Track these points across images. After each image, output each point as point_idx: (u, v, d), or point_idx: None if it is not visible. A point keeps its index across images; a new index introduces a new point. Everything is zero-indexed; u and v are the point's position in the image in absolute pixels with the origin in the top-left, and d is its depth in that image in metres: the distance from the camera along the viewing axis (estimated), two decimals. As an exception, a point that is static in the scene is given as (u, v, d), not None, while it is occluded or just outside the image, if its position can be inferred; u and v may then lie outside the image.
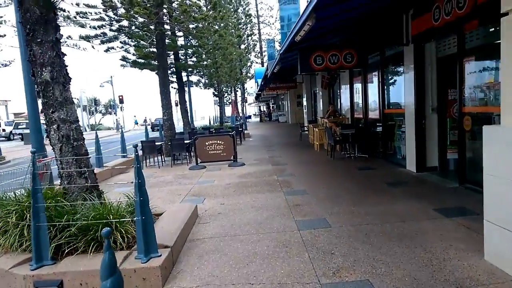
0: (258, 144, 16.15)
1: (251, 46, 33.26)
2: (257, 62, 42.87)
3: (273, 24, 59.71)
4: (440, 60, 6.98)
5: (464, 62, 5.88)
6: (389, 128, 9.15)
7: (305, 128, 16.86)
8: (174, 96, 19.18)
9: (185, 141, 11.41)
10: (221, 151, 10.80)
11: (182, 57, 17.03)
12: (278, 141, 16.79)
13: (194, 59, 17.24)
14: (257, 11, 43.34)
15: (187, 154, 11.79)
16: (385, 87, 9.00)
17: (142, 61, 13.49)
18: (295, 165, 9.76)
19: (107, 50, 12.35)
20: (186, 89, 18.37)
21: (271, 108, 42.68)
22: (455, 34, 6.18)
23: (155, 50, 13.07)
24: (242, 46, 29.09)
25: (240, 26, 26.15)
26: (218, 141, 10.80)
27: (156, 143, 11.46)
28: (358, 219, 4.85)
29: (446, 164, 7.24)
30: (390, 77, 8.83)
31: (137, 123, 49.25)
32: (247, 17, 22.19)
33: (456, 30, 5.89)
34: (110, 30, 11.81)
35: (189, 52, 16.57)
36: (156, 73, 13.03)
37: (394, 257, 3.62)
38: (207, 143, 10.79)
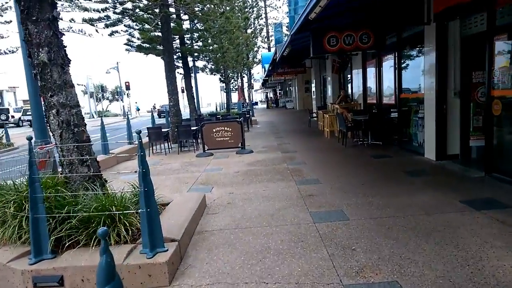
0: (266, 131, 15.79)
1: (257, 30, 32.55)
2: (263, 47, 42.13)
3: (280, 7, 58.52)
4: (465, 40, 6.50)
5: (495, 41, 5.41)
6: (405, 114, 8.72)
7: (314, 115, 16.43)
8: (180, 82, 18.80)
9: (192, 128, 11.10)
10: (229, 138, 10.48)
11: (187, 42, 16.58)
12: (286, 128, 16.41)
13: (200, 43, 16.79)
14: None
15: (194, 141, 11.49)
16: (402, 70, 8.53)
17: (147, 45, 13.09)
18: (305, 152, 9.41)
19: (111, 34, 11.96)
20: (192, 74, 17.96)
21: (278, 94, 42.08)
22: (484, 10, 5.71)
23: (160, 34, 12.65)
24: (249, 31, 28.40)
25: (246, 9, 25.45)
26: (225, 128, 10.47)
27: (163, 130, 11.16)
28: (378, 211, 4.51)
29: (468, 152, 6.84)
30: (407, 60, 8.35)
31: (138, 110, 48.36)
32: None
33: (486, 6, 5.41)
34: (114, 13, 11.40)
35: (195, 36, 16.11)
36: (161, 58, 12.65)
37: (423, 255, 3.29)
38: (214, 130, 10.46)
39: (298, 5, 23.63)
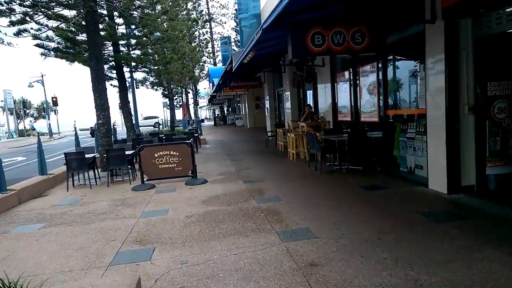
0: (218, 152, 13.72)
1: (203, 44, 30.68)
2: (209, 63, 40.25)
3: (225, 23, 57.44)
4: (481, 42, 5.16)
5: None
6: (391, 133, 7.29)
7: (270, 133, 14.75)
8: (115, 97, 16.07)
9: (127, 152, 8.71)
10: (176, 164, 8.27)
11: (123, 49, 14.15)
12: (241, 148, 14.49)
13: (138, 52, 14.44)
14: (208, 8, 40.76)
15: (130, 168, 9.08)
16: (389, 82, 7.13)
17: (68, 49, 10.47)
18: (274, 182, 7.53)
19: (17, 34, 9.23)
20: (130, 87, 15.44)
21: (225, 111, 40.24)
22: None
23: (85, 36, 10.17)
24: (193, 44, 26.38)
25: (190, 22, 23.49)
26: (171, 152, 8.26)
27: (87, 155, 8.62)
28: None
29: (484, 182, 5.44)
30: (396, 68, 6.95)
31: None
32: (198, 12, 19.72)
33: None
34: (20, 5, 8.77)
35: (132, 43, 13.77)
36: (88, 65, 10.16)
37: None
38: (156, 155, 8.20)
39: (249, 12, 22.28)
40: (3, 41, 9.85)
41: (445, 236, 3.97)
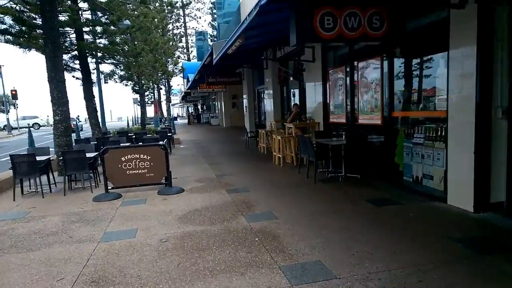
0: (194, 154, 12.51)
1: (177, 38, 29.12)
2: (183, 58, 38.60)
3: (200, 18, 55.84)
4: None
5: None
6: (394, 138, 6.46)
7: (250, 134, 13.67)
8: (80, 90, 14.40)
9: (88, 154, 7.38)
10: (146, 170, 7.05)
11: (88, 37, 12.61)
12: (219, 150, 13.34)
13: (105, 41, 12.95)
14: (182, 1, 39.10)
15: (92, 173, 7.75)
16: (398, 78, 6.27)
17: (20, 33, 8.88)
18: (263, 192, 6.49)
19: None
20: (95, 80, 13.89)
21: (200, 109, 38.73)
22: None
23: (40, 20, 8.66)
24: (166, 37, 24.81)
25: (165, 6, 21.89)
26: (141, 155, 7.03)
27: (41, 158, 7.23)
28: None
29: (515, 198, 4.66)
30: (408, 63, 6.08)
31: None
32: (170, 5, 18.33)
33: None
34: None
35: (98, 30, 12.28)
36: (42, 52, 8.70)
37: None
38: (123, 159, 6.94)
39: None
40: None
41: (504, 275, 3.08)
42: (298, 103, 10.41)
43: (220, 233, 4.46)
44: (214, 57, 8.80)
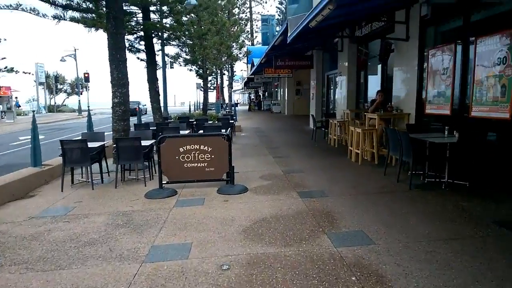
0: (256, 143, 11.49)
1: (243, 23, 28.22)
2: (247, 44, 37.79)
3: (265, 2, 54.44)
4: None
5: None
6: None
7: (318, 124, 12.24)
8: (144, 72, 14.02)
9: (144, 143, 6.64)
10: (207, 164, 6.10)
11: (154, 17, 12.07)
12: (283, 140, 12.16)
13: (171, 22, 12.31)
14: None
15: (148, 164, 7.04)
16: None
17: (84, 11, 8.38)
18: (346, 200, 5.18)
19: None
20: (159, 62, 13.39)
21: (261, 96, 37.86)
22: None
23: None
24: (232, 19, 23.93)
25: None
26: (201, 147, 6.09)
27: (94, 144, 6.65)
28: None
29: None
30: None
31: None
32: None
33: None
34: None
35: (165, 9, 11.65)
36: (104, 30, 8.14)
37: None
38: (181, 150, 6.05)
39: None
40: (39, 13, 8.12)
41: None
42: (381, 90, 8.76)
43: (299, 262, 3.29)
44: (289, 34, 7.52)
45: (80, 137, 7.20)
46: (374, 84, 10.60)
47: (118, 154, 6.43)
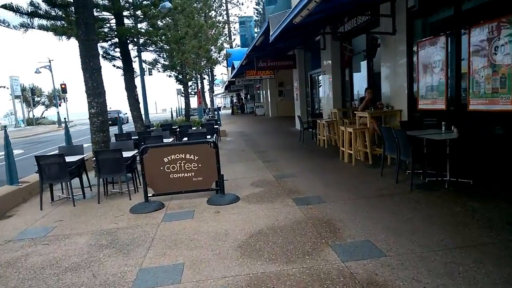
0: (243, 148, 11.13)
1: (220, 25, 27.85)
2: (225, 47, 37.36)
3: (242, 4, 54.19)
4: None
5: None
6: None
7: (305, 125, 12.00)
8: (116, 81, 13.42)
9: (125, 154, 6.19)
10: (194, 173, 5.71)
11: (128, 22, 11.57)
12: (271, 143, 11.85)
13: (146, 26, 11.82)
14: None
15: (131, 174, 6.59)
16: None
17: (47, 11, 7.81)
18: (345, 205, 4.89)
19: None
20: (136, 68, 12.88)
21: (243, 99, 37.49)
22: None
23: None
24: (210, 21, 23.48)
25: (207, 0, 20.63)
26: (187, 155, 5.69)
27: (72, 158, 6.16)
28: None
29: None
30: None
31: None
32: None
33: None
34: None
35: (139, 13, 11.17)
36: (75, 36, 7.64)
37: None
38: (166, 160, 5.64)
39: None
40: (9, 24, 7.60)
41: None
42: (369, 87, 8.54)
43: (305, 282, 2.95)
44: (271, 32, 7.21)
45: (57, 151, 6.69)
46: (360, 81, 10.42)
47: (98, 168, 5.96)
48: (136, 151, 6.67)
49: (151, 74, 28.77)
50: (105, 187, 6.44)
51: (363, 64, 10.05)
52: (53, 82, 32.47)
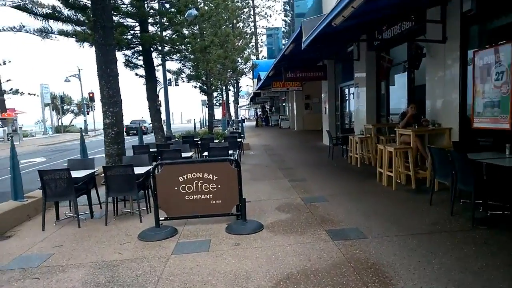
0: (267, 163, 10.37)
1: (248, 36, 27.54)
2: (252, 59, 37.13)
3: (270, 16, 54.27)
4: None
5: None
6: None
7: (335, 141, 11.13)
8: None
9: (139, 170, 5.57)
10: (212, 195, 4.99)
11: (152, 29, 11.21)
12: (298, 159, 11.03)
13: (170, 34, 11.43)
14: (252, 0, 37.63)
15: (144, 192, 5.96)
16: None
17: (72, 22, 7.49)
18: (394, 242, 4.01)
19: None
20: (159, 76, 12.47)
21: (268, 111, 36.91)
22: None
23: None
24: (236, 32, 23.15)
25: (234, 3, 20.32)
26: (205, 175, 4.99)
27: (78, 174, 5.59)
28: None
29: None
30: None
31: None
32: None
33: None
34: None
35: (164, 20, 10.79)
36: (92, 41, 7.23)
37: None
38: (181, 179, 4.96)
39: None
40: (24, 27, 7.42)
41: None
42: (413, 102, 7.60)
43: None
44: (304, 38, 6.48)
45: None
46: (397, 95, 9.51)
47: (107, 185, 5.35)
48: (150, 166, 6.03)
49: (178, 85, 28.64)
50: (115, 206, 5.82)
51: (401, 77, 9.15)
52: (81, 91, 33.18)
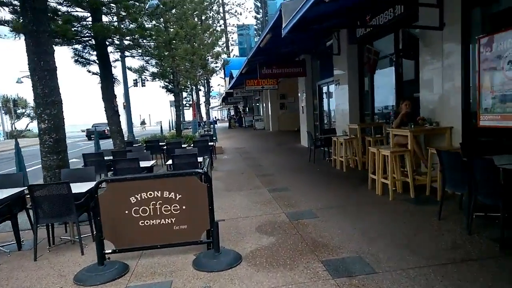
0: (242, 169, 9.30)
1: (218, 34, 26.27)
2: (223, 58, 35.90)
3: (240, 14, 53.13)
4: None
5: None
6: None
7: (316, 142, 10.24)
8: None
9: (80, 187, 4.34)
10: (175, 219, 3.86)
11: (106, 20, 9.82)
12: (276, 163, 10.03)
13: (131, 25, 10.11)
14: (221, -4, 36.37)
15: (88, 215, 4.71)
16: None
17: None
18: (409, 274, 3.05)
19: None
20: (117, 73, 11.07)
21: (241, 111, 35.73)
22: None
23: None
24: (204, 25, 21.83)
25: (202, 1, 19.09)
26: (165, 193, 3.84)
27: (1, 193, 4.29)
28: None
29: None
30: None
31: None
32: None
33: None
34: None
35: (121, 10, 9.47)
36: (23, 26, 5.87)
37: None
38: (133, 199, 3.79)
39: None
40: None
41: None
42: (407, 98, 6.75)
43: None
44: (285, 24, 5.45)
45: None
46: (383, 91, 8.72)
47: (35, 210, 4.09)
48: (89, 188, 4.79)
49: (144, 85, 26.92)
50: (50, 232, 4.55)
51: (387, 71, 8.36)
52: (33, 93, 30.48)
